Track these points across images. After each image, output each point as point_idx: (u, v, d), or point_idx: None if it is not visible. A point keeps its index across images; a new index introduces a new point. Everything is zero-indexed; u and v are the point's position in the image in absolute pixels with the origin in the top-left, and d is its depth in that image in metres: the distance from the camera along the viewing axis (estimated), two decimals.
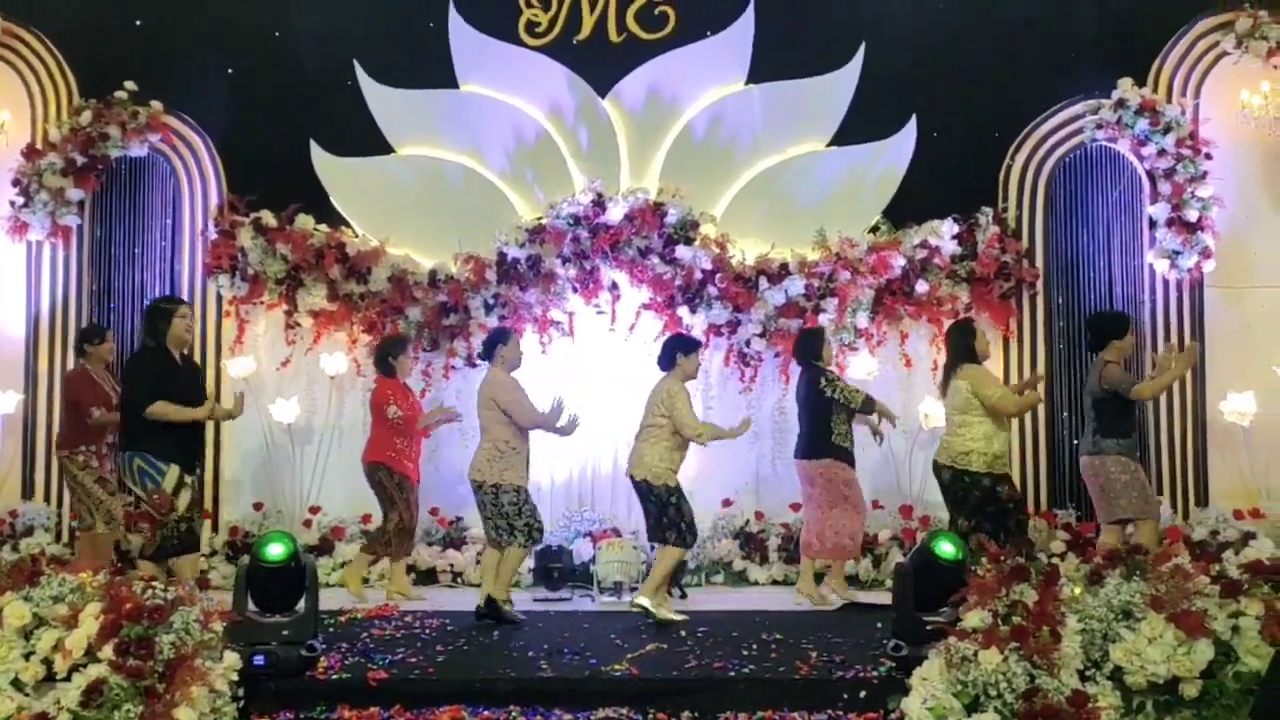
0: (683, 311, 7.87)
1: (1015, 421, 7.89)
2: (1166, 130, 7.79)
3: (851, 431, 6.77)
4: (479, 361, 7.89)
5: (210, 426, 7.90)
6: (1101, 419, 6.31)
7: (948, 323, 7.64)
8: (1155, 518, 6.38)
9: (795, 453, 6.92)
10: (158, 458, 5.71)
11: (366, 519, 7.66)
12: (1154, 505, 6.43)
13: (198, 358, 7.94)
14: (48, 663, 4.23)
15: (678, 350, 6.35)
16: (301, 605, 4.74)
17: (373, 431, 6.95)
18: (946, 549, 4.60)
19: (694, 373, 6.44)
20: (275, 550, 4.70)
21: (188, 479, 5.78)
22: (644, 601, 5.96)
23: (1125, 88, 7.87)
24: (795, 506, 7.66)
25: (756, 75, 8.27)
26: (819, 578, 6.83)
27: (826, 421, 6.69)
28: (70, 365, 7.49)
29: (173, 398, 5.75)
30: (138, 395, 5.74)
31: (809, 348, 6.91)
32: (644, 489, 6.21)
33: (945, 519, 6.52)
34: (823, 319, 7.73)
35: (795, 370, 7.19)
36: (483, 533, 7.62)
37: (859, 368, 7.78)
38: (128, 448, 5.79)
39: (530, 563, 7.42)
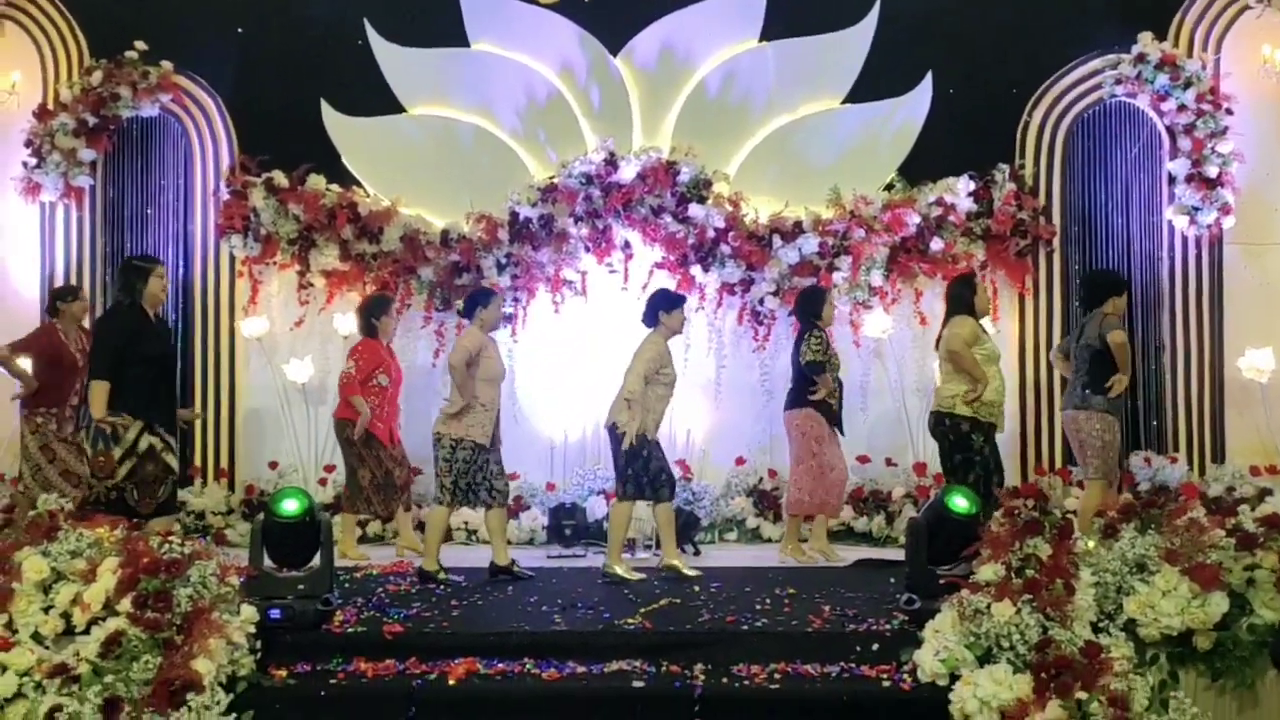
0: (695, 270, 7.85)
1: (1027, 379, 7.91)
2: (1187, 85, 7.68)
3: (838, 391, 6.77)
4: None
5: (225, 386, 8.00)
6: (1093, 374, 6.25)
7: None
8: (1112, 483, 6.45)
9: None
10: (158, 418, 5.62)
11: None
12: (1114, 471, 6.48)
13: (211, 318, 8.02)
14: (66, 616, 4.30)
15: (660, 307, 6.23)
16: (317, 560, 4.79)
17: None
18: (960, 503, 4.60)
19: (678, 328, 6.30)
20: (290, 506, 4.74)
21: (155, 440, 5.58)
22: (674, 563, 5.97)
23: (1145, 42, 7.76)
24: None
25: (770, 32, 8.16)
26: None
27: (800, 376, 6.74)
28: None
29: (143, 357, 5.61)
30: (100, 360, 5.62)
31: (810, 306, 6.89)
32: (613, 436, 6.15)
33: None
34: (836, 277, 7.69)
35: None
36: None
37: (874, 326, 7.75)
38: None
39: (544, 520, 7.48)
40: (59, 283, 7.93)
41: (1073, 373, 6.42)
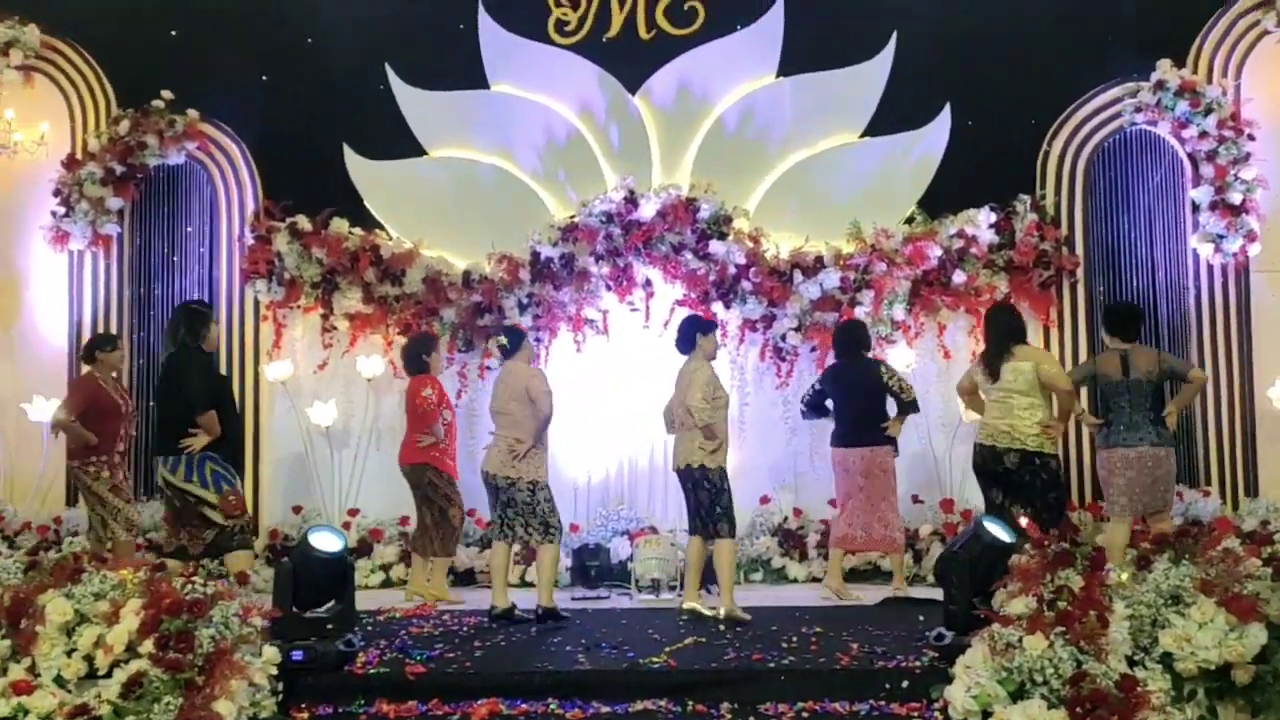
0: (717, 307, 7.83)
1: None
2: (1208, 112, 7.65)
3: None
4: None
5: (250, 430, 8.02)
6: (1156, 409, 6.17)
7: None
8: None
9: (840, 441, 6.77)
10: (227, 459, 5.94)
11: (404, 521, 7.65)
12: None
13: (236, 362, 8.08)
14: (89, 659, 4.26)
15: (696, 330, 6.20)
16: (340, 602, 4.75)
17: (412, 431, 6.83)
18: (998, 533, 4.51)
19: (714, 352, 6.27)
20: (328, 543, 4.66)
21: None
22: (732, 612, 5.79)
23: (1164, 69, 7.74)
24: (834, 503, 7.60)
25: (787, 68, 8.22)
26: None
27: (882, 410, 6.67)
28: None
29: (225, 400, 5.96)
30: (200, 397, 5.84)
31: (863, 339, 6.89)
32: (694, 476, 5.99)
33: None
34: (859, 312, 7.65)
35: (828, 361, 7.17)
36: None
37: (897, 360, 7.67)
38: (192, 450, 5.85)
39: (568, 561, 7.42)
40: (87, 330, 8.02)
41: (1128, 407, 6.18)
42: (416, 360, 6.95)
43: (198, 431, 5.83)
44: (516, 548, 6.32)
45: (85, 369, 6.82)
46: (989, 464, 6.12)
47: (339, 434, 7.99)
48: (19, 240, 8.17)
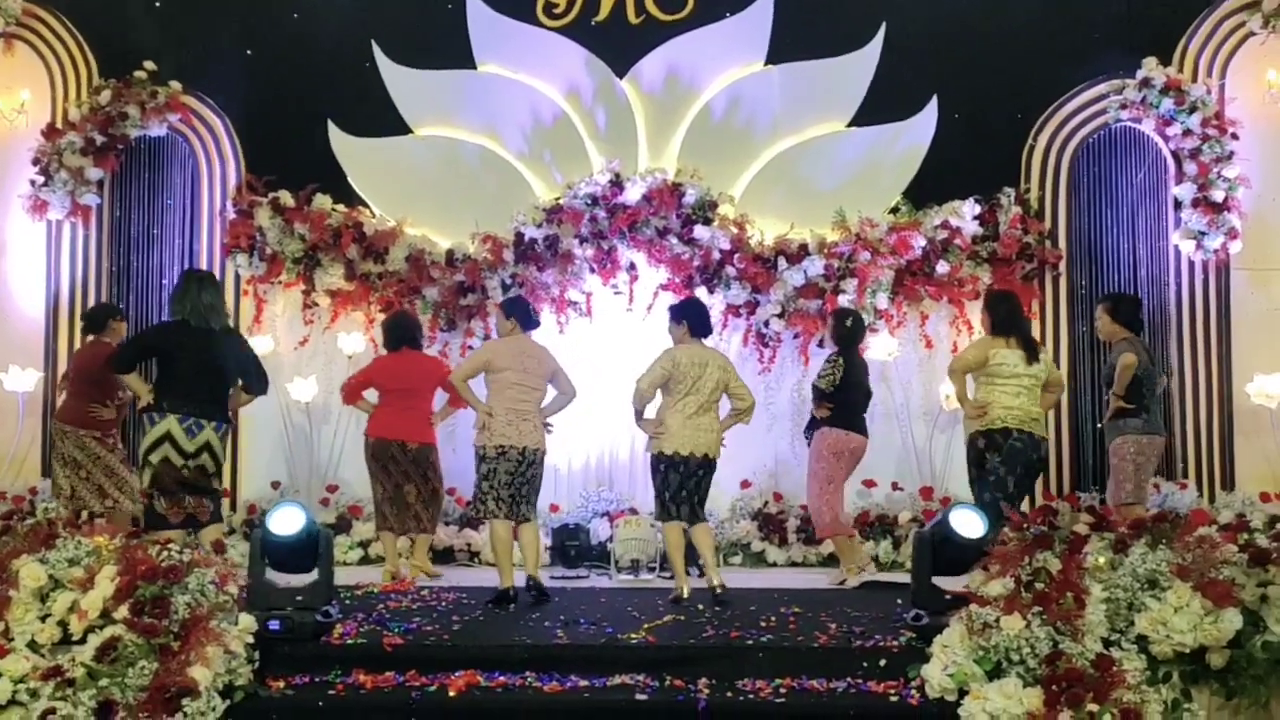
0: (700, 292, 7.80)
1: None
2: (1192, 110, 7.70)
3: None
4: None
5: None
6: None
7: (971, 304, 7.63)
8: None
9: (854, 426, 6.60)
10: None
11: None
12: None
13: None
14: (64, 625, 4.24)
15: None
16: (316, 573, 4.72)
17: (426, 410, 6.74)
18: (968, 520, 4.54)
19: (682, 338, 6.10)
20: (285, 523, 4.60)
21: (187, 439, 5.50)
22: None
23: (1150, 67, 7.78)
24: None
25: (776, 56, 8.21)
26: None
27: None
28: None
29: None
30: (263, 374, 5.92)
31: (864, 331, 6.95)
32: (710, 466, 5.95)
33: (967, 498, 6.40)
34: (842, 300, 7.66)
35: (821, 353, 7.23)
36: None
37: (879, 349, 7.71)
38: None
39: (548, 540, 7.41)
40: (65, 301, 7.96)
41: (1149, 395, 6.36)
42: (411, 339, 6.85)
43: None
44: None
45: (89, 337, 6.77)
46: (1028, 452, 6.04)
47: (319, 410, 7.94)
48: None
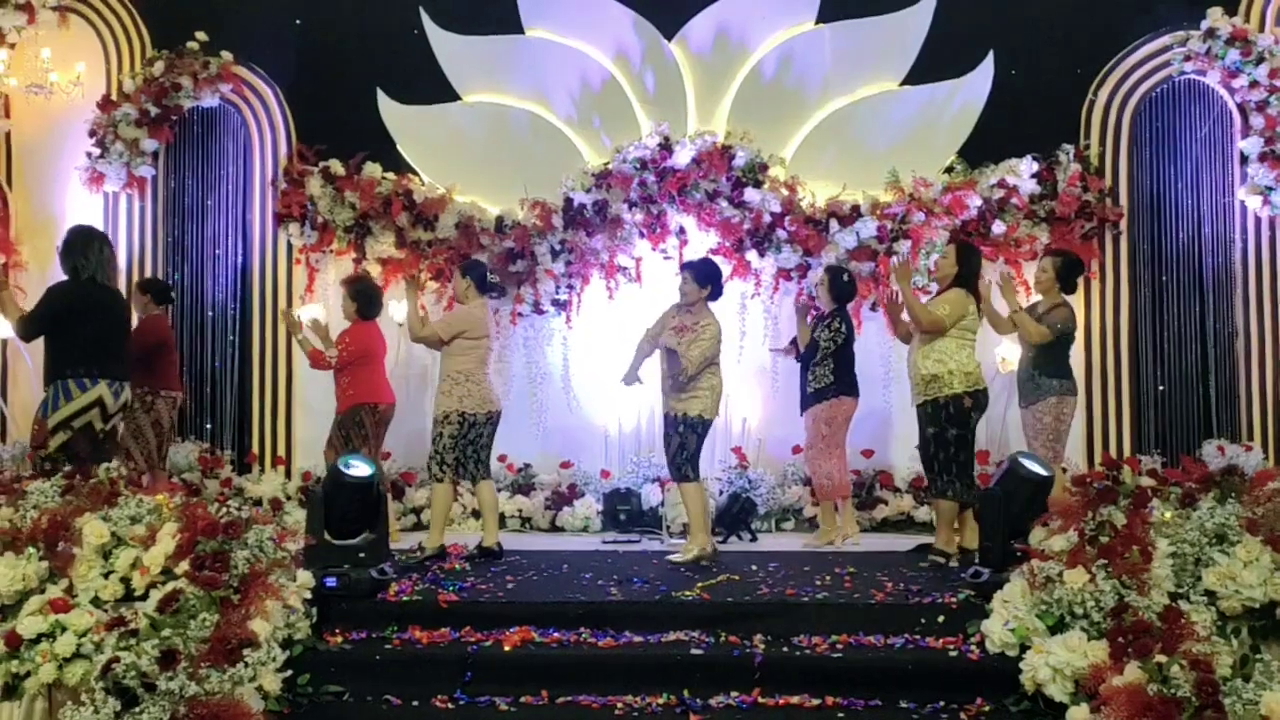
0: (751, 255, 7.75)
1: (1097, 365, 7.69)
2: (1259, 61, 7.47)
3: None
4: (546, 309, 7.89)
5: (283, 373, 8.05)
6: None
7: (1026, 264, 7.48)
8: None
9: (854, 391, 6.73)
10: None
11: None
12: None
13: (270, 305, 8.09)
14: (126, 581, 4.30)
15: None
16: (374, 531, 4.76)
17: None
18: (1035, 468, 4.46)
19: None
20: (357, 470, 4.71)
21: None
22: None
23: (1215, 17, 7.55)
24: (867, 453, 7.59)
25: (826, 14, 8.06)
26: None
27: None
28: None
29: None
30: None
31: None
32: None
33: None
34: (895, 262, 7.53)
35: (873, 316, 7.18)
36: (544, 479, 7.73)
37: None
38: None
39: (598, 506, 7.43)
40: (123, 274, 7.99)
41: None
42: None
43: None
44: None
45: (155, 310, 6.85)
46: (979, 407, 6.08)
47: None
48: (55, 181, 8.16)
